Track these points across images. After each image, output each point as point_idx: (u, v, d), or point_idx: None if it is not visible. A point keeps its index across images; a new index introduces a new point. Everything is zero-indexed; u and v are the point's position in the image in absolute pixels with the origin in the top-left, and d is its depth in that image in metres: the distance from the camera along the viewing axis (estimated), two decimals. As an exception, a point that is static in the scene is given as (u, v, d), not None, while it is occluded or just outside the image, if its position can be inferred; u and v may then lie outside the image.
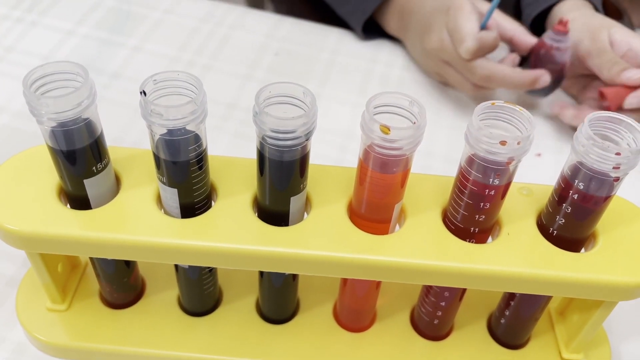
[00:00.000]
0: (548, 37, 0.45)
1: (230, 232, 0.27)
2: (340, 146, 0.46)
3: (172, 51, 0.51)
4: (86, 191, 0.26)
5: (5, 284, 0.35)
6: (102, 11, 0.54)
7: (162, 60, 0.50)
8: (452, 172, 0.43)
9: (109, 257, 0.30)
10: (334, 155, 0.45)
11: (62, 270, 0.33)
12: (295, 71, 0.51)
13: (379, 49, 0.54)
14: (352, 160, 0.45)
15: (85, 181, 0.26)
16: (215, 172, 0.29)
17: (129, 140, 0.44)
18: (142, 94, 0.23)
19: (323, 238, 0.27)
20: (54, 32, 0.51)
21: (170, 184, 0.26)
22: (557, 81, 0.46)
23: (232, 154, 0.31)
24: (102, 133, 0.26)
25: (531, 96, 0.49)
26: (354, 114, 0.48)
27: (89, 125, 0.25)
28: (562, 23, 0.44)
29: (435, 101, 0.50)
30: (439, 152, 0.46)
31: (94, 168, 0.26)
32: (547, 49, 0.45)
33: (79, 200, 0.27)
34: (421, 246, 0.27)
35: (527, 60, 0.47)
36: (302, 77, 0.50)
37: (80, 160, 0.26)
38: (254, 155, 0.31)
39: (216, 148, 0.44)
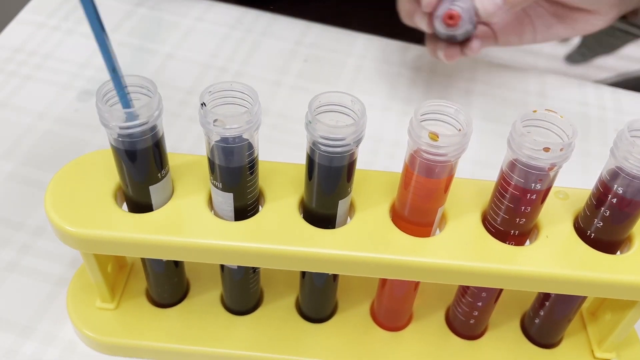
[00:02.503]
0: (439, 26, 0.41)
1: (281, 234, 0.28)
2: (370, 150, 0.47)
3: (204, 58, 0.52)
4: (150, 197, 0.28)
5: (54, 283, 0.37)
6: (136, 19, 0.55)
7: (194, 66, 0.51)
8: (480, 174, 0.44)
9: (164, 258, 0.31)
10: (364, 159, 0.46)
11: (111, 270, 0.34)
12: (324, 76, 0.52)
13: (406, 53, 0.55)
14: (382, 164, 0.46)
15: (150, 187, 0.28)
16: (262, 177, 0.30)
17: (167, 145, 0.45)
18: (203, 105, 0.25)
19: (369, 240, 0.28)
20: (90, 39, 0.52)
21: (225, 188, 0.27)
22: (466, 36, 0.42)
23: (263, 158, 0.32)
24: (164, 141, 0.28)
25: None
26: (382, 118, 0.49)
27: (155, 136, 0.27)
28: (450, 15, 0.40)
29: (461, 105, 0.51)
30: (467, 155, 0.47)
31: (159, 175, 0.28)
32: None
33: (140, 205, 0.29)
34: (463, 248, 0.28)
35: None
36: (330, 82, 0.51)
37: (145, 167, 0.27)
38: (285, 159, 0.32)
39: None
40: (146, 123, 0.25)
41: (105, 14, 0.55)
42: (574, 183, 0.33)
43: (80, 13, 0.55)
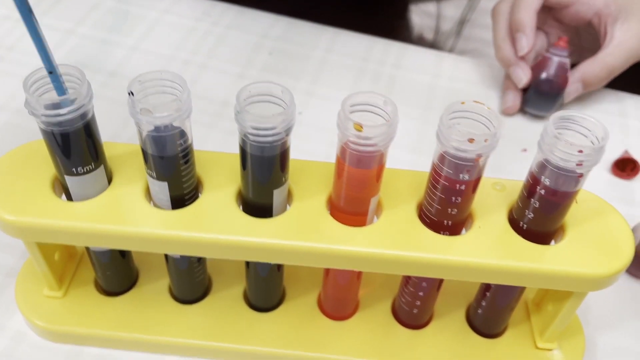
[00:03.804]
0: (550, 51, 0.47)
1: (216, 222, 0.28)
2: (332, 142, 0.47)
3: (169, 50, 0.52)
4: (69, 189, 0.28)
5: (5, 274, 0.37)
6: (102, 11, 0.55)
7: (158, 59, 0.51)
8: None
9: (101, 246, 0.31)
10: (326, 152, 0.46)
11: (59, 258, 0.34)
12: (288, 70, 0.52)
13: (371, 47, 0.55)
14: (341, 157, 0.46)
15: (67, 178, 0.28)
16: (201, 167, 0.30)
17: (125, 136, 0.46)
18: (130, 94, 0.25)
19: (303, 229, 0.28)
20: (54, 31, 0.53)
21: (159, 177, 0.28)
22: (555, 95, 0.47)
23: (225, 150, 0.32)
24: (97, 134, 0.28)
25: (533, 112, 0.49)
26: (344, 112, 0.49)
27: (86, 127, 0.27)
28: (563, 39, 0.46)
29: (425, 99, 0.51)
30: (428, 149, 0.47)
31: (74, 169, 0.28)
32: (547, 58, 0.47)
33: (68, 196, 0.29)
34: (395, 237, 0.29)
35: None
36: (294, 75, 0.52)
37: (75, 158, 0.27)
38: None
39: (209, 144, 0.45)
40: (76, 110, 0.25)
41: (71, 6, 0.55)
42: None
43: (44, 5, 0.55)
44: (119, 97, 0.48)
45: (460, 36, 1.17)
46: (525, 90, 0.49)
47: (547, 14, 0.50)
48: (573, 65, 0.48)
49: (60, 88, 0.26)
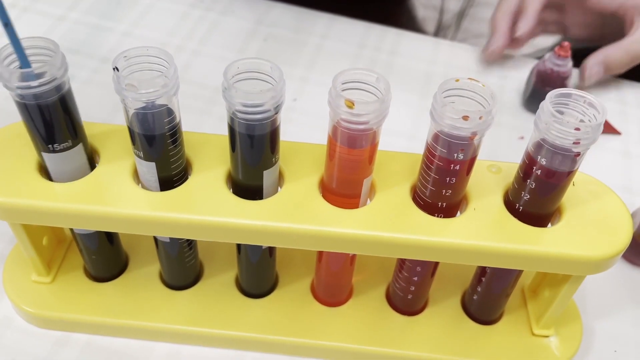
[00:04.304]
0: (549, 60, 0.46)
1: (204, 204, 0.27)
2: (327, 129, 0.46)
3: (162, 36, 0.52)
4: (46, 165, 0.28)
5: (-7, 259, 0.36)
6: (94, -4, 0.54)
7: (151, 44, 0.50)
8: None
9: (87, 228, 0.31)
10: (321, 139, 0.45)
11: (47, 243, 0.34)
12: (283, 56, 0.51)
13: (368, 34, 0.54)
14: (336, 143, 0.45)
15: (44, 155, 0.27)
16: (191, 148, 0.30)
17: (117, 122, 0.45)
18: (115, 69, 0.24)
19: (293, 211, 0.28)
20: (46, 17, 0.52)
21: (147, 157, 0.27)
22: None
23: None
24: (72, 113, 0.27)
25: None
26: (339, 98, 0.49)
27: (63, 102, 0.26)
28: (564, 47, 0.45)
29: (421, 86, 0.51)
30: (424, 136, 0.47)
31: (50, 146, 0.27)
32: (548, 72, 0.46)
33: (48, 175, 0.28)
34: (388, 219, 0.28)
35: (529, 79, 0.48)
36: (289, 61, 0.51)
37: (51, 133, 0.27)
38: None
39: (203, 131, 0.44)
40: (49, 82, 0.25)
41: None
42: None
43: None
44: (112, 83, 0.47)
45: (459, 29, 1.16)
46: (528, 92, 0.48)
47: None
48: (594, 50, 0.47)
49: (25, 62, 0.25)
